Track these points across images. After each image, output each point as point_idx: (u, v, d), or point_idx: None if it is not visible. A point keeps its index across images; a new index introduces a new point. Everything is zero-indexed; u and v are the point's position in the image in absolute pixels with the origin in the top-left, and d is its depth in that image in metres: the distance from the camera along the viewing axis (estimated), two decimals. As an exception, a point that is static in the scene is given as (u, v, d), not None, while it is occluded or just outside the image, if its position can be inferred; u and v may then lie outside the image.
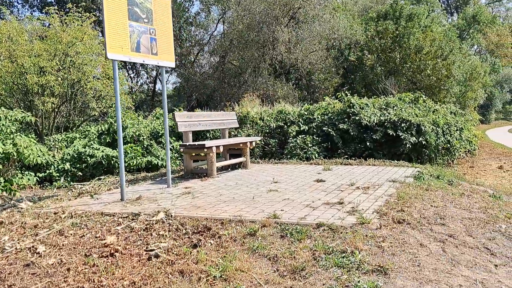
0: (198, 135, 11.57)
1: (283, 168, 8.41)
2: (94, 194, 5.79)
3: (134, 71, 21.86)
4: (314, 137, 10.69)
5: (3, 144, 8.73)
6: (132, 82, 22.04)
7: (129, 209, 4.63)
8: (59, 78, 11.11)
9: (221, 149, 7.80)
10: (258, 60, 17.45)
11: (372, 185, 5.82)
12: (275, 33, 16.97)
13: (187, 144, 7.52)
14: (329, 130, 10.62)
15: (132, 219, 4.17)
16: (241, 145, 8.82)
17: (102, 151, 10.08)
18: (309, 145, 10.44)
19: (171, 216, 4.18)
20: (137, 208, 4.70)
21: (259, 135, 11.27)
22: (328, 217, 4.09)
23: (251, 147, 9.15)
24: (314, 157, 10.12)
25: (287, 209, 4.46)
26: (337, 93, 12.26)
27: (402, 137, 9.75)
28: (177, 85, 22.86)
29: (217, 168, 8.18)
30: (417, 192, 5.21)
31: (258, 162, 9.87)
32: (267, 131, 11.40)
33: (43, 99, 10.87)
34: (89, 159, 10.00)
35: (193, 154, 7.89)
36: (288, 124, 11.57)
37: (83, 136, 11.38)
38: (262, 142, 11.14)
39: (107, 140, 10.86)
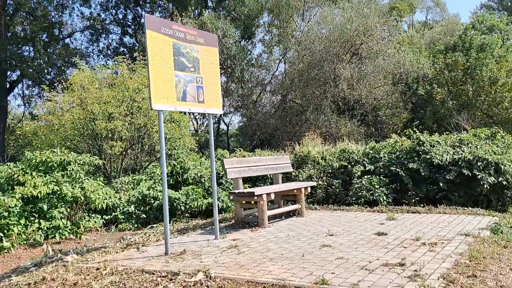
0: (257, 178, 11.31)
1: (342, 217, 7.96)
2: (142, 245, 5.67)
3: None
4: (381, 177, 10.06)
5: (72, 188, 9.01)
6: (197, 124, 22.52)
7: (170, 265, 4.42)
8: (126, 123, 11.47)
9: (272, 196, 7.39)
10: (319, 97, 17.15)
11: (440, 240, 5.19)
12: (336, 70, 16.65)
13: (236, 191, 7.20)
14: (398, 170, 9.97)
15: (171, 279, 3.94)
16: (295, 191, 8.36)
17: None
18: (376, 186, 9.83)
19: (211, 277, 3.90)
20: (178, 264, 4.47)
21: (321, 175, 10.82)
22: (385, 284, 3.60)
23: (306, 193, 8.68)
24: (382, 199, 9.50)
25: (339, 272, 4.01)
26: (405, 130, 11.61)
27: (478, 177, 8.90)
28: (241, 124, 23.10)
29: (269, 216, 7.81)
30: (494, 250, 4.53)
31: (316, 208, 9.45)
32: (330, 171, 10.93)
33: (111, 143, 11.24)
34: (153, 201, 10.09)
35: (243, 202, 7.55)
36: (352, 163, 11.03)
37: (149, 178, 11.57)
38: (325, 183, 10.67)
39: (171, 182, 10.95)
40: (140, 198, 10.23)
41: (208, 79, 6.27)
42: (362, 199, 9.69)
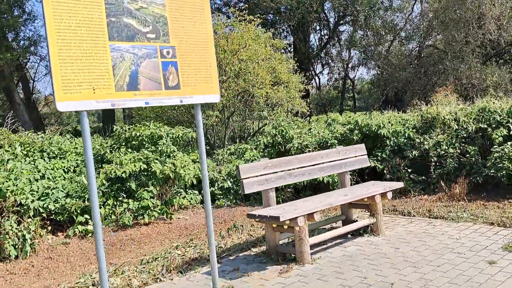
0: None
1: (436, 238, 5.57)
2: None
3: (326, 65, 20.67)
4: (531, 143, 7.78)
5: (162, 165, 8.56)
6: (322, 76, 20.87)
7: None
8: (222, 90, 10.64)
9: (317, 218, 5.00)
10: (460, 43, 14.19)
11: None
12: (481, 7, 13.49)
13: (257, 214, 4.94)
14: (553, 133, 7.56)
15: None
16: (365, 199, 5.80)
17: (263, 167, 9.20)
18: (523, 155, 7.60)
19: None
20: None
21: (453, 141, 8.77)
22: None
23: (386, 200, 6.11)
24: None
25: None
26: None
27: None
28: (372, 78, 20.76)
29: (321, 242, 5.54)
30: None
31: (410, 213, 6.94)
32: (464, 135, 8.81)
33: (208, 113, 10.55)
34: (248, 175, 9.26)
35: (275, 225, 5.18)
36: (494, 126, 8.73)
37: (254, 147, 10.75)
38: (458, 151, 8.62)
39: (272, 154, 9.96)
40: (240, 171, 9.46)
41: (188, 49, 4.01)
42: (504, 172, 7.59)
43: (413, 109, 11.07)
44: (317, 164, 6.02)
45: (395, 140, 9.19)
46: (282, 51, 13.37)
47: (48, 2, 3.17)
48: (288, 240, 5.92)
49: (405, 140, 9.14)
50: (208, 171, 9.43)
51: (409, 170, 8.62)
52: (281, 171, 5.57)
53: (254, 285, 4.55)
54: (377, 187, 5.93)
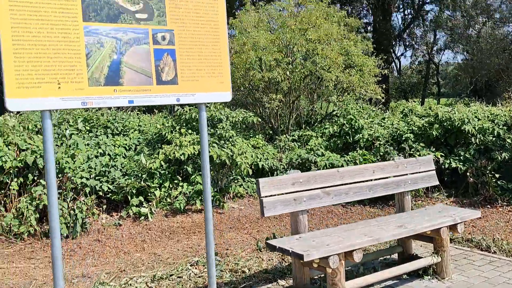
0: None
1: None
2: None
3: (409, 47, 19.04)
4: None
5: (220, 150, 8.12)
6: (404, 59, 19.29)
7: None
8: (288, 72, 9.87)
9: (357, 258, 3.75)
10: None
11: None
12: None
13: (277, 246, 3.73)
14: None
15: None
16: (428, 232, 4.42)
17: (327, 159, 8.46)
18: None
19: None
20: None
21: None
22: None
23: (456, 234, 4.72)
24: None
25: None
26: None
27: None
28: (460, 63, 18.80)
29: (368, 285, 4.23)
30: None
31: (489, 247, 5.26)
32: None
33: (271, 96, 9.85)
34: (312, 166, 8.58)
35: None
36: None
37: (320, 134, 10.00)
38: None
39: (338, 144, 9.17)
40: (301, 161, 8.80)
41: (191, 33, 3.17)
42: None
43: (505, 103, 9.70)
44: (366, 181, 4.55)
45: (482, 138, 8.03)
46: (361, 31, 12.28)
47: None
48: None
49: (494, 139, 7.97)
50: (268, 159, 8.86)
51: (497, 175, 7.46)
52: (316, 189, 4.26)
53: None
54: (445, 217, 4.46)
